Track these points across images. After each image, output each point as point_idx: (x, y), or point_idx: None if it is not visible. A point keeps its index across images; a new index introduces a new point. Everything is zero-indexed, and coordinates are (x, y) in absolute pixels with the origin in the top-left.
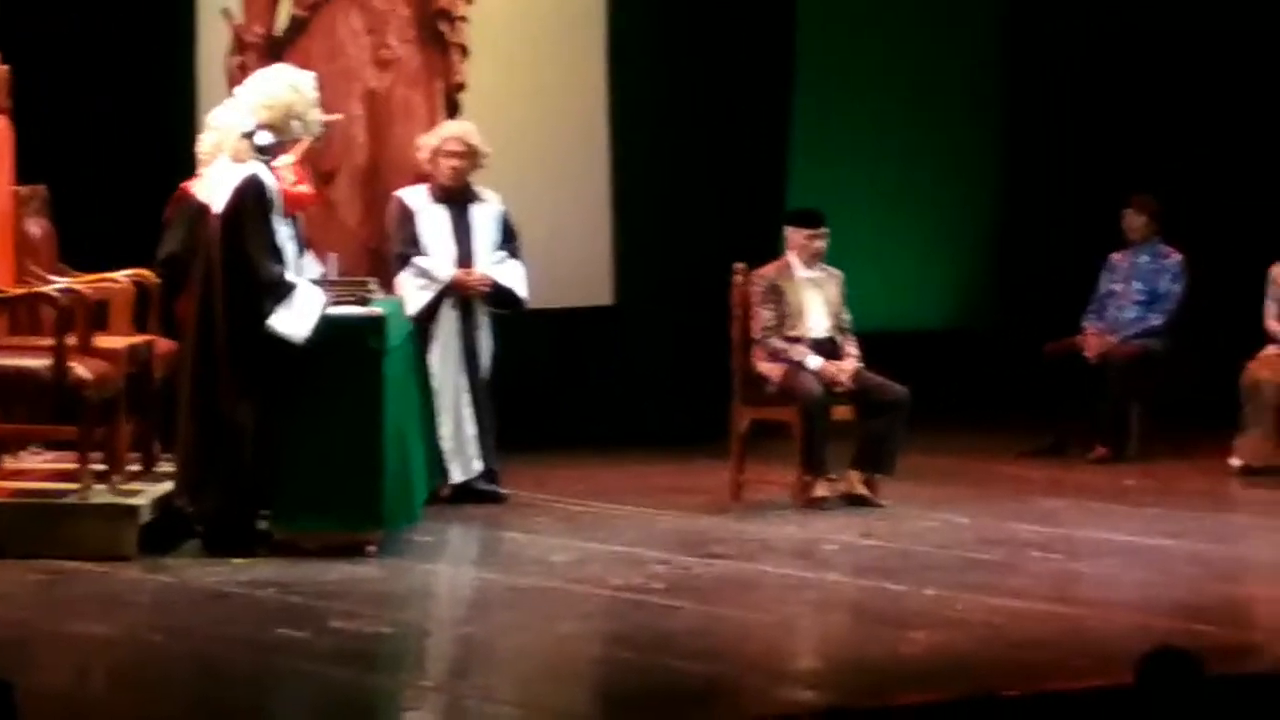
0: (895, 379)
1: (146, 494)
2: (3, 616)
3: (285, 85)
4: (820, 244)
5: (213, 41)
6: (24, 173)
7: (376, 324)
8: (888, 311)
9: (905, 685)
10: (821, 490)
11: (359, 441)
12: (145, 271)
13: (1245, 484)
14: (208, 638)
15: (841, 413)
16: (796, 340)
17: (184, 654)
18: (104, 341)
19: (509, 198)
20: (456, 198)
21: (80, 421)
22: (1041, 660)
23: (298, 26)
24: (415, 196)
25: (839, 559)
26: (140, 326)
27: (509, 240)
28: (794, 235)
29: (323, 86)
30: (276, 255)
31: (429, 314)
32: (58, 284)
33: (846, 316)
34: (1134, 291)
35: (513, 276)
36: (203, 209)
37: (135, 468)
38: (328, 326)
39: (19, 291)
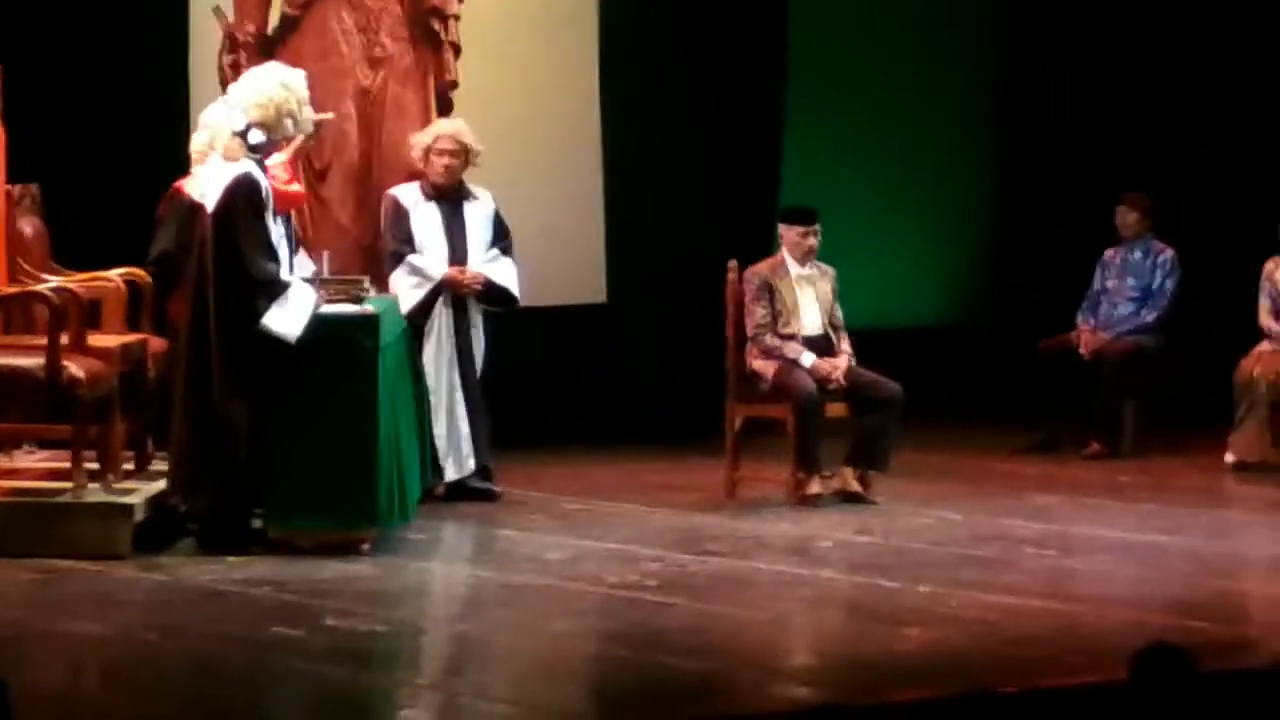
0: (889, 376)
1: (140, 493)
2: None
3: (277, 83)
4: (814, 241)
5: (205, 40)
6: (16, 171)
7: (370, 322)
8: (881, 308)
9: (900, 682)
10: (815, 487)
11: (353, 440)
12: (138, 270)
13: (1239, 480)
14: (202, 636)
15: (835, 410)
16: (790, 337)
17: (178, 652)
18: (97, 340)
19: (501, 195)
20: (449, 196)
21: (74, 420)
22: (1036, 656)
23: (290, 25)
24: (408, 194)
25: (833, 556)
26: (133, 325)
27: (501, 238)
28: (787, 232)
29: (315, 85)
30: (270, 254)
31: (423, 312)
32: (50, 283)
33: (840, 314)
34: (1127, 288)
35: (505, 274)
36: (195, 207)
37: (129, 466)
38: (321, 325)
39: (12, 290)
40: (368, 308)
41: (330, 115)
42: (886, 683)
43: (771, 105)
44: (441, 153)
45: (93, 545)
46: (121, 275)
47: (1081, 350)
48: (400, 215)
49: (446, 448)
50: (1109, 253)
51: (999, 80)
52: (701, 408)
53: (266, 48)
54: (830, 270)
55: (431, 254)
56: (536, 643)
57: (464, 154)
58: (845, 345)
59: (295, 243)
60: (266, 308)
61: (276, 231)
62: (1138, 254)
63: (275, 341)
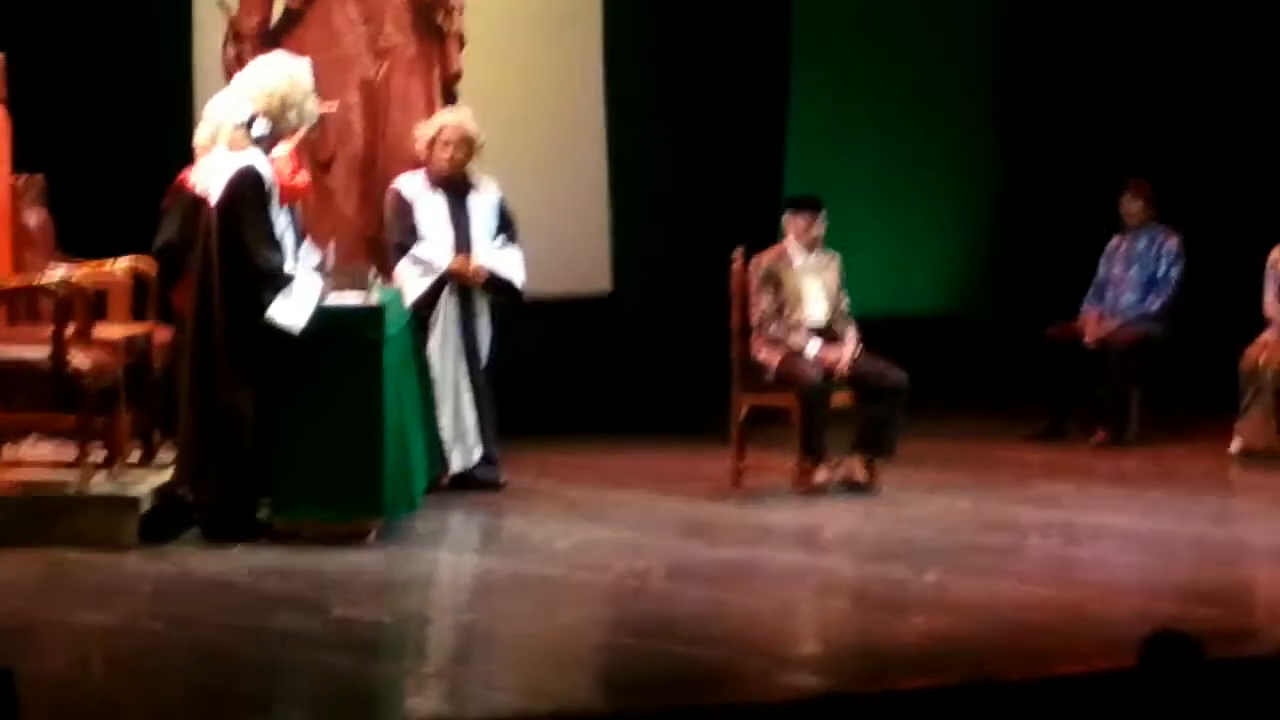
0: (894, 364)
1: (146, 483)
2: (4, 606)
3: (281, 75)
4: (819, 230)
5: (209, 31)
6: (21, 162)
7: (375, 313)
8: (887, 297)
9: (906, 670)
10: (821, 476)
11: (359, 430)
12: (143, 260)
13: (1245, 467)
14: (208, 626)
15: (841, 398)
16: (795, 327)
17: (185, 642)
18: (102, 331)
19: (506, 186)
20: (454, 186)
21: (79, 411)
22: (1042, 644)
23: (294, 16)
24: (412, 185)
25: (840, 545)
26: (138, 316)
27: (506, 228)
28: (793, 221)
29: (319, 76)
30: (274, 245)
31: (428, 302)
32: (56, 273)
33: (845, 302)
34: (1132, 276)
35: (510, 264)
36: (199, 199)
37: (135, 457)
38: (326, 316)
39: (17, 282)
40: (373, 299)
41: (334, 106)
42: (893, 671)
43: (775, 96)
44: (446, 144)
45: (99, 535)
46: (127, 266)
47: (1087, 339)
48: (404, 207)
49: (452, 438)
50: (1114, 241)
51: (1001, 70)
52: (707, 397)
53: (270, 39)
54: (836, 258)
55: (436, 245)
56: (543, 632)
57: (468, 145)
58: (851, 334)
59: (300, 234)
60: (271, 299)
61: (281, 222)
62: (1143, 242)
63: (280, 332)
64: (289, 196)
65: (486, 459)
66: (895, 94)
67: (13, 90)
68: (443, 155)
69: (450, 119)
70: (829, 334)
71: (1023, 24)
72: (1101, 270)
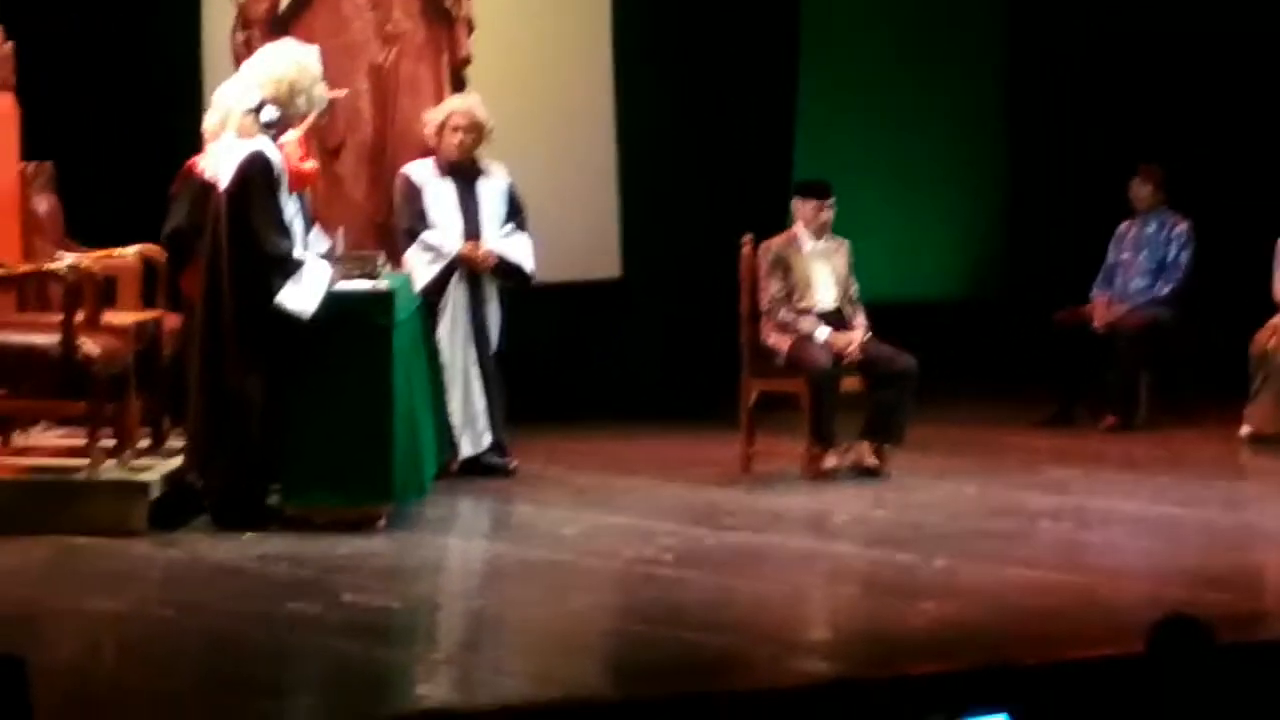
0: (904, 349)
1: (156, 469)
2: (14, 592)
3: (290, 61)
4: (828, 215)
5: (218, 18)
6: (30, 149)
7: (384, 298)
8: (896, 282)
9: (916, 655)
10: (831, 461)
11: (368, 416)
12: (153, 247)
13: (1255, 452)
14: (218, 612)
15: (850, 384)
16: (805, 312)
17: (194, 629)
18: (112, 317)
19: (515, 171)
20: (463, 172)
21: (89, 397)
22: (1052, 630)
23: (302, 2)
24: (422, 171)
25: (849, 530)
26: (148, 302)
27: (516, 213)
28: (801, 206)
29: (327, 62)
30: (283, 230)
31: (437, 288)
32: (65, 260)
33: (855, 287)
34: (1142, 261)
35: (520, 249)
36: (208, 185)
37: (145, 443)
38: (336, 302)
39: (27, 268)
40: (382, 285)
41: (343, 92)
42: (903, 656)
43: (785, 79)
44: (455, 129)
45: (109, 522)
46: (136, 252)
47: (1096, 323)
48: (414, 192)
49: (462, 423)
50: (1123, 225)
51: (1011, 52)
52: (716, 382)
53: (279, 25)
54: (845, 243)
55: (446, 230)
56: (553, 617)
57: (477, 130)
58: (860, 319)
59: (309, 220)
60: (281, 285)
61: (290, 208)
62: (1152, 227)
63: (289, 318)
64: (298, 183)
65: (496, 445)
66: (905, 80)
67: (22, 78)
68: (452, 141)
69: (459, 105)
70: (838, 319)
71: (1035, 12)
72: (1111, 255)
